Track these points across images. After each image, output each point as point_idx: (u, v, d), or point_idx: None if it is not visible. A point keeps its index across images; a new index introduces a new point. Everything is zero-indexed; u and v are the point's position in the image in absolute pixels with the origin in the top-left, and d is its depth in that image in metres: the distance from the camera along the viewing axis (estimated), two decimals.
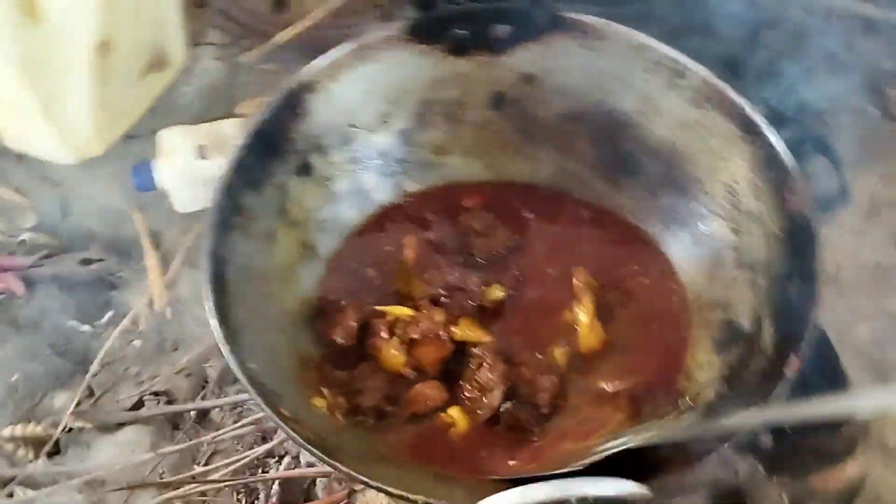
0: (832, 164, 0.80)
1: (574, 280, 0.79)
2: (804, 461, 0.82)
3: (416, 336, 0.75)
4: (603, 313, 0.79)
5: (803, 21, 1.05)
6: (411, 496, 0.56)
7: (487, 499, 0.52)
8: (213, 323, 0.63)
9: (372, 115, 0.84)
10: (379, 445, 0.70)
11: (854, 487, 0.81)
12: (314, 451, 0.58)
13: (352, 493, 0.76)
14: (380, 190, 0.87)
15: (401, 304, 0.78)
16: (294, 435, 0.59)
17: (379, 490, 0.57)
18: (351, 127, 0.84)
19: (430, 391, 0.73)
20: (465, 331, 0.76)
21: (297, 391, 0.68)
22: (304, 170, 0.80)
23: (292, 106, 0.78)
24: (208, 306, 0.64)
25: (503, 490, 0.55)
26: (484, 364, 0.73)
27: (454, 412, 0.72)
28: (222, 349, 0.62)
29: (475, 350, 0.75)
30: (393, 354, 0.74)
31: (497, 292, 0.80)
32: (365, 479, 0.57)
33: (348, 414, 0.71)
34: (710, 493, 0.73)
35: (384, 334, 0.75)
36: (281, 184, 0.78)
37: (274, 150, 0.77)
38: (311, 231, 0.81)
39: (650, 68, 0.82)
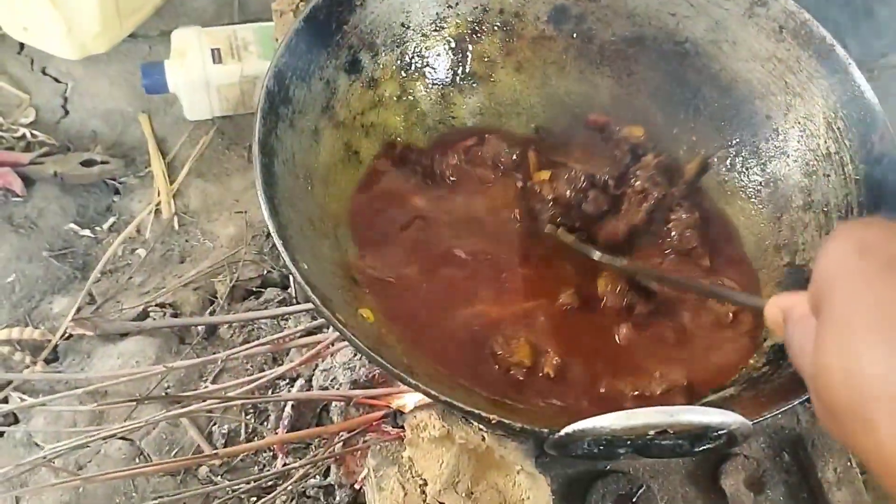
0: None
1: None
2: None
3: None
4: None
5: None
6: (485, 414, 0.51)
7: (588, 419, 0.47)
8: (266, 213, 0.57)
9: (427, 18, 0.78)
10: None
11: None
12: (377, 358, 0.52)
13: (385, 416, 0.71)
14: (426, 101, 0.80)
15: None
16: (355, 340, 0.53)
17: (450, 406, 0.52)
18: (404, 28, 0.77)
19: None
20: None
21: (343, 300, 0.62)
22: (353, 67, 0.74)
23: None
24: (261, 197, 0.58)
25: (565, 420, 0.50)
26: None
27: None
28: (276, 242, 0.56)
29: None
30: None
31: None
32: (436, 395, 0.51)
33: None
34: (771, 440, 0.69)
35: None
36: (329, 79, 0.72)
37: (325, 39, 0.70)
38: (357, 134, 0.75)
39: None
